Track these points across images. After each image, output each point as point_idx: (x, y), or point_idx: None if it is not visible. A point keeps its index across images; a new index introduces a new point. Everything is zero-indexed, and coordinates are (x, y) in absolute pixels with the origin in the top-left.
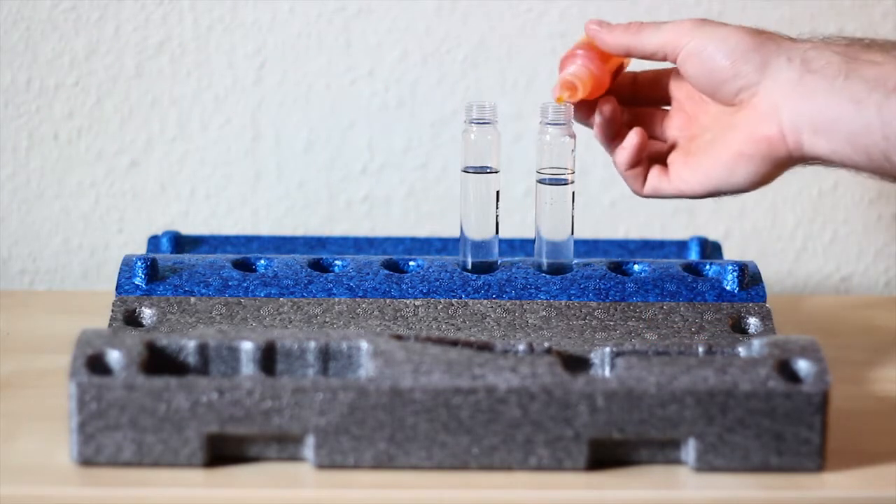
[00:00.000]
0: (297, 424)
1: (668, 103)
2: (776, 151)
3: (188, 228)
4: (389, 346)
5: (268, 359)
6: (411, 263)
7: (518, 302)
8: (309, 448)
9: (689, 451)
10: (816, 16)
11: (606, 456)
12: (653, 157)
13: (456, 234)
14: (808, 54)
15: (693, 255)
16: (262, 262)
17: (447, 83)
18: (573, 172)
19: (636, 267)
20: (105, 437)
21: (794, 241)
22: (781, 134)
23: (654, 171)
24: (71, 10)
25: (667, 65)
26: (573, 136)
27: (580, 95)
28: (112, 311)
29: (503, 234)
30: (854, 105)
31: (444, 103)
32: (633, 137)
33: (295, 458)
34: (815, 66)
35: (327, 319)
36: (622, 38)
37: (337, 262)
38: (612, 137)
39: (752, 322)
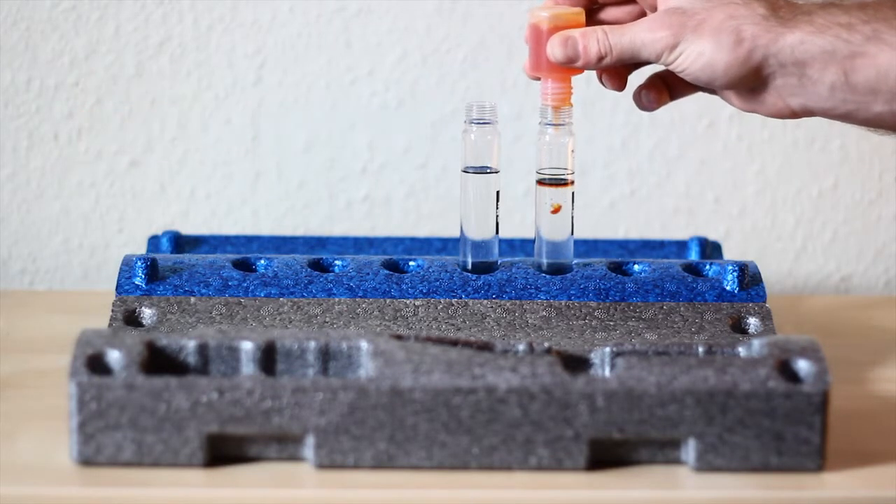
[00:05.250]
0: (297, 424)
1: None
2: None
3: (188, 228)
4: (389, 346)
5: (268, 359)
6: (411, 263)
7: (518, 302)
8: (309, 448)
9: (689, 451)
10: None
11: (606, 456)
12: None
13: (456, 234)
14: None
15: (693, 255)
16: (262, 262)
17: (447, 83)
18: (573, 172)
19: (636, 267)
20: (105, 437)
21: (794, 241)
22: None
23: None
24: (71, 10)
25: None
26: (573, 135)
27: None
28: (112, 311)
29: (503, 234)
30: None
31: (444, 103)
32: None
33: (295, 458)
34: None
35: (327, 319)
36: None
37: (337, 262)
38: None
39: (752, 322)
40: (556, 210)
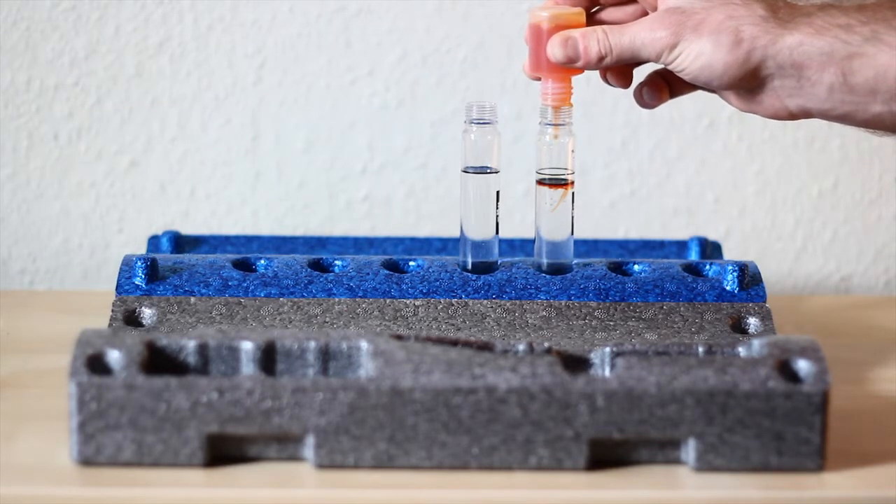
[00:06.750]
0: (297, 424)
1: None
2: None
3: (188, 228)
4: (389, 346)
5: (268, 359)
6: (411, 263)
7: (518, 302)
8: (309, 448)
9: (689, 451)
10: None
11: (606, 456)
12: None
13: (456, 234)
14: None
15: (693, 255)
16: (262, 262)
17: (447, 83)
18: (573, 172)
19: (636, 267)
20: (105, 437)
21: (794, 241)
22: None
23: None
24: (71, 10)
25: None
26: (573, 135)
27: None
28: (112, 311)
29: (503, 234)
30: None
31: (444, 103)
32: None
33: (295, 458)
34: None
35: (327, 319)
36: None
37: (337, 262)
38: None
39: (752, 322)
40: (564, 196)
